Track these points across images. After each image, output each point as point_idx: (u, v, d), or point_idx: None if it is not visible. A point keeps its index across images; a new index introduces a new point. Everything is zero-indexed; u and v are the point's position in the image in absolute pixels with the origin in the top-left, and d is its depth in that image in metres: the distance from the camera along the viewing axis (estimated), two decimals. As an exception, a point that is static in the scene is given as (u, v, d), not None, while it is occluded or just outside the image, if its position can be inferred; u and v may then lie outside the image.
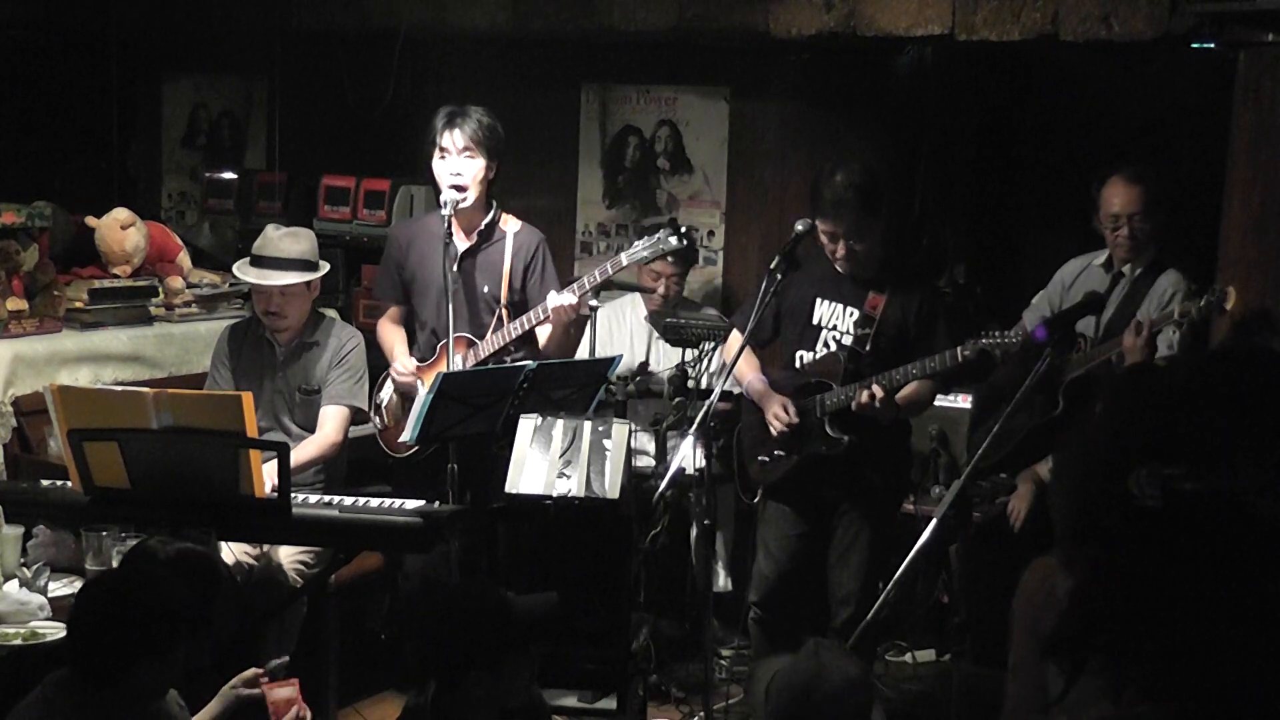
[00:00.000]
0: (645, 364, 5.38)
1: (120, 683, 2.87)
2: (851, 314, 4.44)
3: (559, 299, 4.50)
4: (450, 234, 4.53)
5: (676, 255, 5.09)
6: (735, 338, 4.44)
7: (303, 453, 4.52)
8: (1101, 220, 4.48)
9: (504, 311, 4.70)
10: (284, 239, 4.72)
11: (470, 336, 4.64)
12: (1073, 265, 4.65)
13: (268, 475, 3.82)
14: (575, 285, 4.56)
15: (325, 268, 4.79)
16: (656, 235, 4.52)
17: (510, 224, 4.76)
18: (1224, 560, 1.73)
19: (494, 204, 4.75)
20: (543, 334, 4.68)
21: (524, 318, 4.61)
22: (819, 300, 4.49)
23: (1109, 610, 1.82)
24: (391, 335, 4.86)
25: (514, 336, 4.62)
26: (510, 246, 4.72)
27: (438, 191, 4.68)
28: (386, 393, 4.84)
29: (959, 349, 4.20)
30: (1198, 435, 2.29)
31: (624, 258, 4.53)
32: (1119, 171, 4.45)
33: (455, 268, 4.54)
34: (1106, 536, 2.10)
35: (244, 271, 4.73)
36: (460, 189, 4.58)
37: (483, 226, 4.72)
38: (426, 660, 3.15)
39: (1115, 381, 3.59)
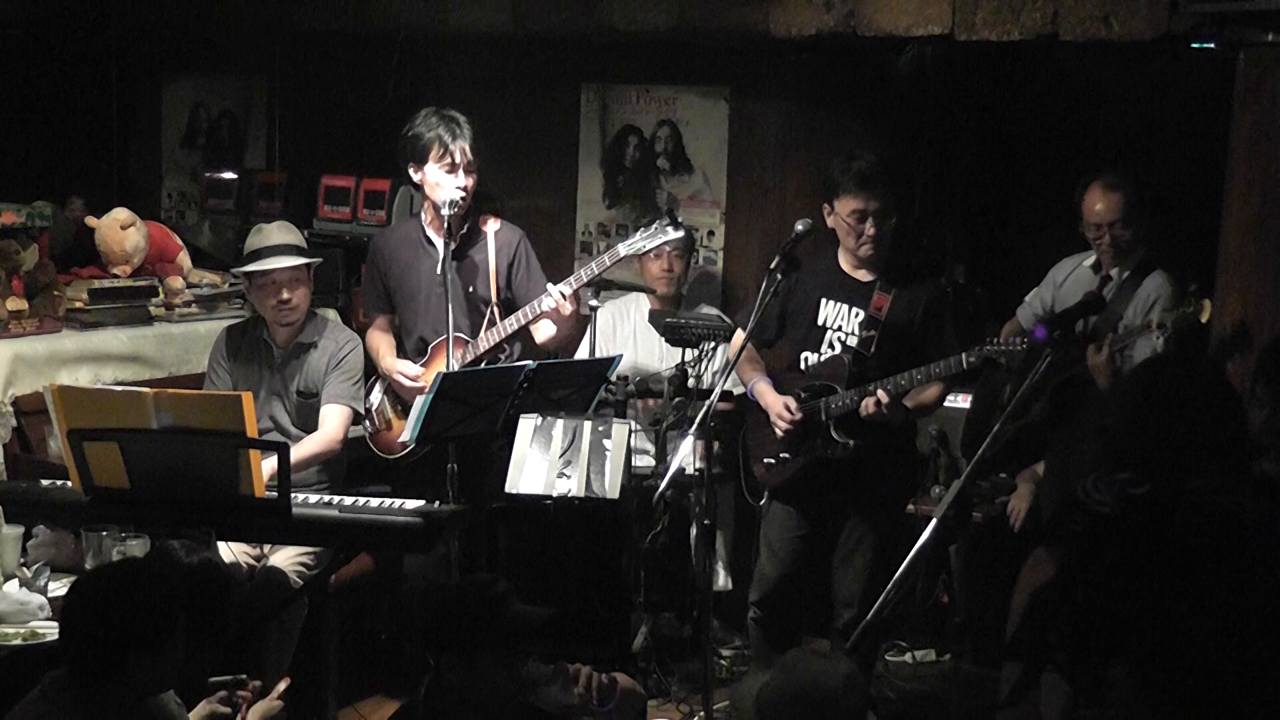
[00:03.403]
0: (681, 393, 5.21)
1: (114, 678, 2.86)
2: (857, 315, 4.44)
3: (555, 294, 4.51)
4: (450, 233, 4.54)
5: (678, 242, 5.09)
6: (739, 337, 4.45)
7: (304, 449, 4.52)
8: (1084, 228, 4.48)
9: (495, 310, 4.70)
10: (277, 230, 4.76)
11: (464, 336, 4.65)
12: (1065, 264, 4.67)
13: (268, 476, 3.82)
14: (572, 278, 4.56)
15: (318, 259, 4.82)
16: (654, 226, 4.53)
17: (490, 224, 4.79)
18: (1180, 561, 1.72)
19: (471, 206, 4.77)
20: (540, 330, 4.69)
21: (517, 314, 4.62)
22: (824, 301, 4.50)
23: (1065, 612, 1.82)
24: (379, 340, 4.87)
25: (508, 333, 4.63)
26: (492, 245, 4.74)
27: (416, 188, 4.76)
28: (376, 396, 4.85)
29: (965, 355, 4.19)
30: (1156, 440, 2.30)
31: (622, 249, 4.53)
32: (1097, 179, 4.45)
33: (439, 269, 4.55)
34: (1068, 541, 2.11)
35: (251, 266, 4.69)
36: (464, 199, 4.61)
37: (465, 229, 4.73)
38: (423, 636, 3.18)
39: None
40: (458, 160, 4.61)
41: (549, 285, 4.58)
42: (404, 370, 4.71)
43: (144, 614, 2.88)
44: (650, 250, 4.78)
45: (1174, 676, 1.70)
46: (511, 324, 4.63)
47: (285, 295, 4.66)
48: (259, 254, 4.68)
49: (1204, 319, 4.05)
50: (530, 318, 4.60)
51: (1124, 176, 4.46)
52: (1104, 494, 2.18)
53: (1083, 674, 1.80)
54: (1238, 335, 4.13)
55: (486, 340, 4.65)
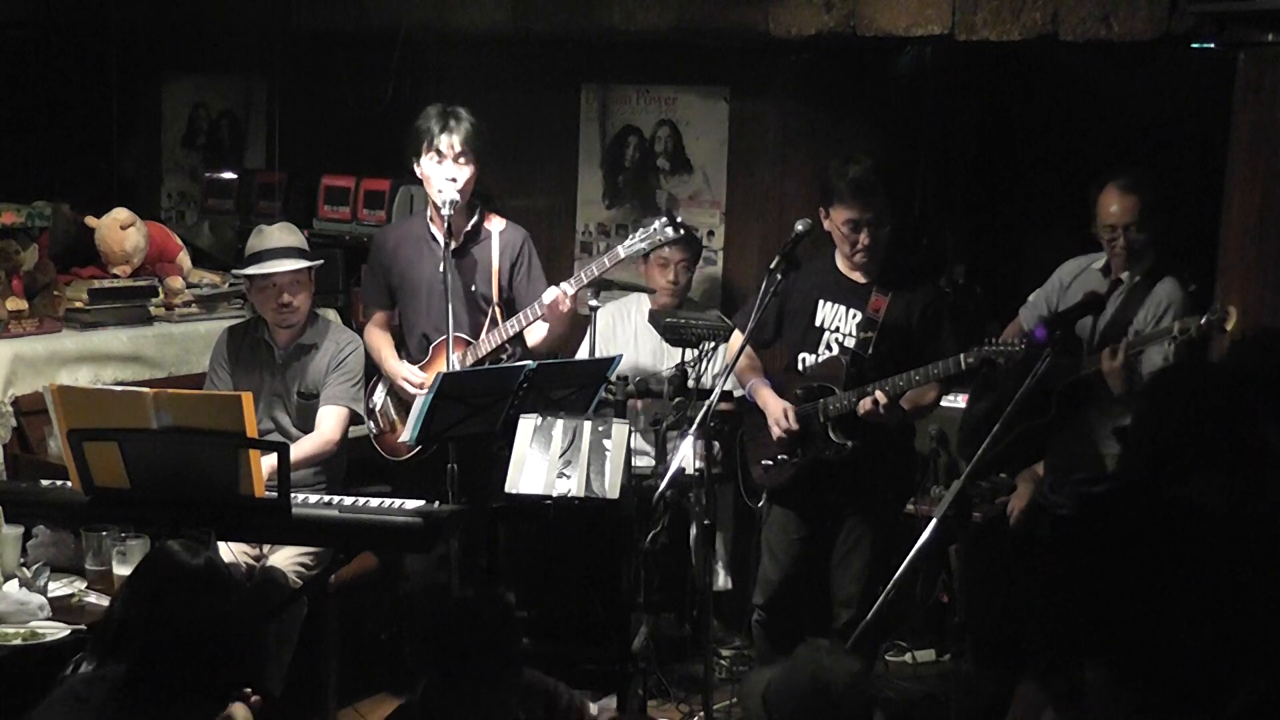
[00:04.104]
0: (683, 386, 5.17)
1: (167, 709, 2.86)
2: (854, 316, 4.44)
3: (553, 292, 4.51)
4: (450, 232, 4.55)
5: (681, 242, 5.09)
6: (737, 338, 4.45)
7: (300, 449, 4.51)
8: (1098, 229, 4.40)
9: (497, 310, 4.70)
10: (279, 231, 4.76)
11: (466, 336, 4.65)
12: (1071, 265, 4.59)
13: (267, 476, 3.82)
14: (572, 279, 4.56)
15: (319, 262, 4.82)
16: (653, 226, 4.53)
17: (494, 223, 4.79)
18: (1143, 559, 1.72)
19: (477, 205, 4.77)
20: (532, 333, 4.68)
21: (519, 315, 4.62)
22: (821, 302, 4.49)
23: (1037, 616, 1.82)
24: (379, 340, 4.86)
25: (510, 334, 4.63)
26: (497, 245, 4.74)
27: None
28: (379, 397, 4.84)
29: (962, 356, 4.18)
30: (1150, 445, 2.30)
31: (621, 250, 4.54)
32: (1114, 180, 4.35)
33: (440, 267, 4.55)
34: (1035, 544, 2.11)
35: (252, 269, 4.68)
36: (459, 195, 4.60)
37: (469, 228, 4.74)
38: (423, 650, 3.17)
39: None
40: (444, 151, 4.60)
41: (551, 287, 4.58)
42: (408, 376, 4.71)
43: (227, 671, 2.91)
44: (651, 252, 4.77)
45: (1148, 676, 1.70)
46: (513, 326, 4.63)
47: (286, 299, 4.66)
48: (260, 256, 4.67)
49: (1229, 327, 3.99)
50: (531, 319, 4.60)
51: (1140, 178, 4.36)
52: (1062, 496, 2.18)
53: (1058, 678, 1.80)
54: (1249, 343, 4.10)
55: (489, 342, 4.65)
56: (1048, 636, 1.79)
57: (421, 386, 4.64)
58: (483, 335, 4.67)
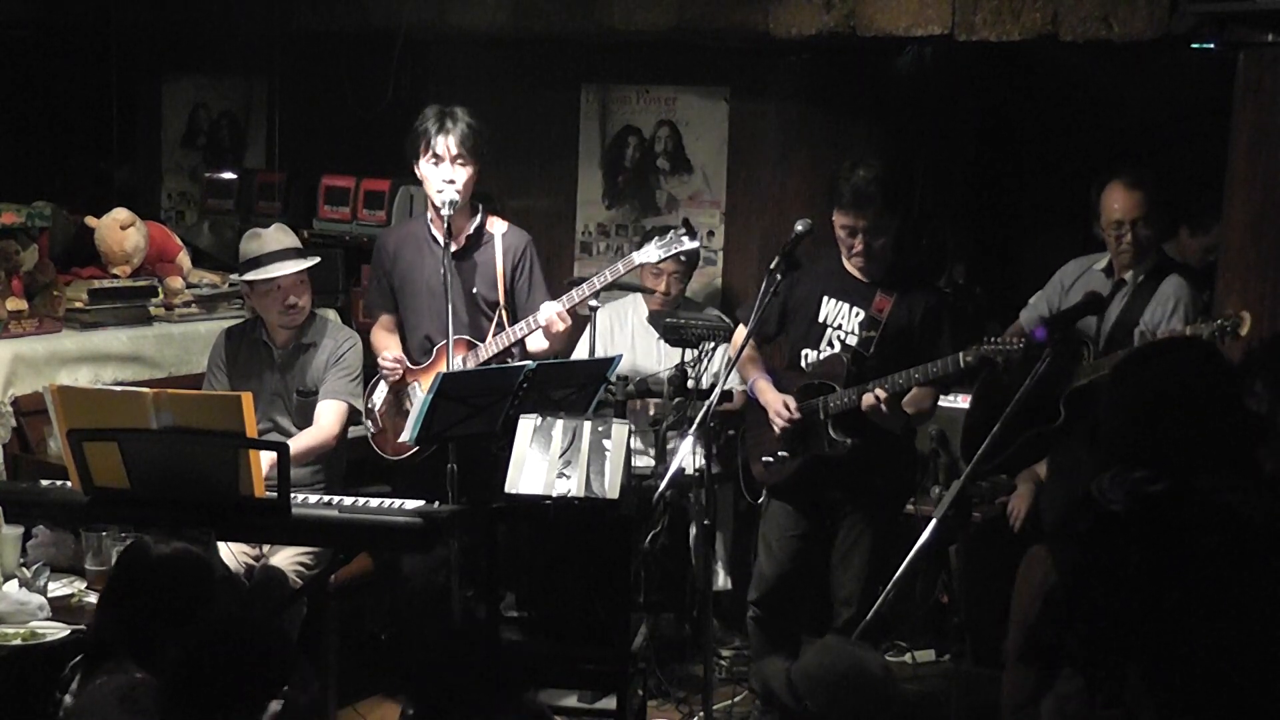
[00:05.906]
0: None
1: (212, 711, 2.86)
2: (858, 314, 4.45)
3: (548, 309, 4.51)
4: (450, 233, 4.54)
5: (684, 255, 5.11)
6: (740, 332, 4.46)
7: (298, 443, 4.50)
8: (1103, 226, 4.36)
9: (503, 314, 4.70)
10: (276, 233, 4.76)
11: (470, 339, 4.65)
12: (1072, 267, 4.56)
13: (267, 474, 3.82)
14: (585, 285, 4.56)
15: (318, 259, 4.83)
16: (669, 235, 4.53)
17: (497, 226, 4.78)
18: (1194, 560, 1.71)
19: (479, 207, 4.76)
20: (532, 340, 4.67)
21: (525, 321, 4.61)
22: (825, 298, 4.50)
23: (1081, 612, 1.81)
24: (386, 343, 4.86)
25: (517, 339, 4.62)
26: (500, 247, 4.73)
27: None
28: (379, 397, 4.84)
29: (962, 355, 4.18)
30: (1164, 438, 2.28)
31: (636, 257, 4.54)
32: (1119, 176, 4.33)
33: (441, 269, 4.54)
34: (1078, 539, 2.09)
35: (257, 274, 4.66)
36: (458, 195, 4.59)
37: (471, 230, 4.73)
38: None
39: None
40: (440, 153, 4.60)
41: (545, 303, 4.57)
42: (389, 355, 4.70)
43: (264, 685, 2.91)
44: (665, 259, 4.76)
45: (1186, 676, 1.69)
46: (521, 329, 4.62)
47: (292, 300, 4.67)
48: (259, 260, 4.67)
49: (1243, 332, 3.91)
50: (530, 329, 4.60)
51: (1145, 173, 4.35)
52: (1116, 492, 2.17)
53: (1101, 673, 1.80)
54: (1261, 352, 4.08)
55: (495, 345, 4.64)
56: (1092, 631, 1.79)
57: (390, 363, 4.64)
58: (489, 339, 4.66)
